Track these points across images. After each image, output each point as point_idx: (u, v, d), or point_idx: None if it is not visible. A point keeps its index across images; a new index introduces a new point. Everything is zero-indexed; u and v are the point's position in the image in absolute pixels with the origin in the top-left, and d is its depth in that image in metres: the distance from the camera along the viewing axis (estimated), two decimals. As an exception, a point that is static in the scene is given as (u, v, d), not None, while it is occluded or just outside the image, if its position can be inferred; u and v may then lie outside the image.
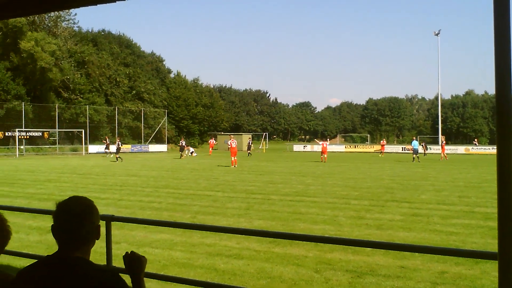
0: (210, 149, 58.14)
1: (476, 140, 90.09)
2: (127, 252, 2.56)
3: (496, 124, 1.97)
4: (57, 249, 2.28)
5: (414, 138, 47.18)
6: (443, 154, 46.31)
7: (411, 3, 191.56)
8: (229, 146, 34.55)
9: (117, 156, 40.22)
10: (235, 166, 32.30)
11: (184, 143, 50.13)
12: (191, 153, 52.79)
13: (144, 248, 9.07)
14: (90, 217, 2.29)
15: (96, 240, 2.36)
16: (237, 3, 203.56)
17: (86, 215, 2.28)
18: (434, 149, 61.36)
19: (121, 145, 43.80)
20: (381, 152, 57.06)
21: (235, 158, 33.33)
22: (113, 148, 45.17)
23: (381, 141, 64.95)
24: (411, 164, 37.51)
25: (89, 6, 2.67)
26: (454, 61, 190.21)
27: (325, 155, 40.52)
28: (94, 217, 2.31)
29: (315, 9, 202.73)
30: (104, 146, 50.18)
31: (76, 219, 2.25)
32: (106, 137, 52.44)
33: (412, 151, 42.68)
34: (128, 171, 28.36)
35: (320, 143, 44.35)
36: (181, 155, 47.72)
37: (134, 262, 2.51)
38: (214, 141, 63.16)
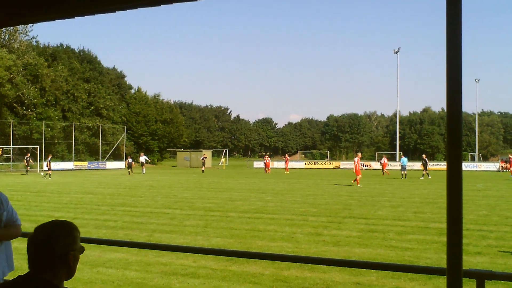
0: (287, 167, 55.36)
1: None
2: None
3: (446, 140, 2.00)
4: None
5: (403, 155, 47.47)
6: (384, 170, 47.73)
7: (370, 21, 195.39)
8: (356, 164, 32.02)
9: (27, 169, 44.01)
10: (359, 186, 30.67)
11: (131, 159, 50.92)
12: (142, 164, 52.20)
13: (98, 268, 8.88)
14: (57, 241, 2.28)
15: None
16: (197, 19, 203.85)
17: (52, 238, 2.28)
18: (392, 165, 62.50)
19: (29, 160, 48.02)
20: (286, 169, 56.80)
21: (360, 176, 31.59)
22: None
23: (285, 156, 64.26)
24: (374, 180, 37.97)
25: (48, 22, 2.61)
26: (412, 78, 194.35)
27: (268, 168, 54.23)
28: (60, 243, 2.29)
29: (274, 26, 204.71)
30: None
31: (42, 242, 2.27)
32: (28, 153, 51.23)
33: (401, 168, 42.90)
34: (84, 189, 27.82)
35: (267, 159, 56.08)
36: (129, 172, 48.18)
37: None
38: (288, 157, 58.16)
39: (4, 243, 4.09)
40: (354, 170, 32.22)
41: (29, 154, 49.62)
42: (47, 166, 42.16)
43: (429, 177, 40.76)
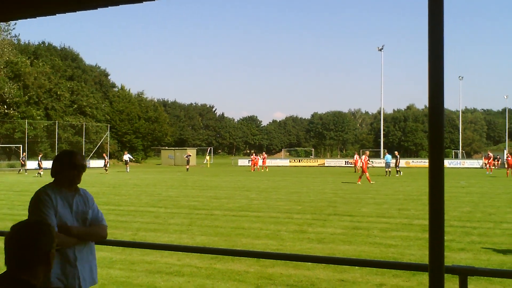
0: (254, 166, 53.59)
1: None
2: None
3: (428, 137, 2.01)
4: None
5: (387, 152, 47.48)
6: (357, 167, 47.91)
7: (354, 19, 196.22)
8: (363, 162, 31.73)
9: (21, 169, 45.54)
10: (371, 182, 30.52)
11: (107, 158, 51.64)
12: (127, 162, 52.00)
13: (81, 267, 8.81)
14: (41, 240, 2.30)
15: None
16: (181, 17, 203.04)
17: (37, 237, 2.30)
18: (376, 162, 62.78)
19: (25, 160, 49.71)
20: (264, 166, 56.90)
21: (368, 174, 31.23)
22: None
23: (263, 154, 63.44)
24: (355, 176, 38.10)
25: (29, 19, 2.59)
26: (396, 75, 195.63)
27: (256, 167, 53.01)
28: (42, 242, 2.31)
29: (259, 24, 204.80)
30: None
31: (26, 241, 2.27)
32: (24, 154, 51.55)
33: (385, 165, 42.75)
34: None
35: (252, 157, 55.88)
36: (106, 169, 48.53)
37: None
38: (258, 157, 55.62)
39: (89, 248, 3.94)
40: (362, 168, 32.03)
41: (24, 154, 49.55)
42: (39, 165, 42.11)
43: (388, 175, 40.72)
